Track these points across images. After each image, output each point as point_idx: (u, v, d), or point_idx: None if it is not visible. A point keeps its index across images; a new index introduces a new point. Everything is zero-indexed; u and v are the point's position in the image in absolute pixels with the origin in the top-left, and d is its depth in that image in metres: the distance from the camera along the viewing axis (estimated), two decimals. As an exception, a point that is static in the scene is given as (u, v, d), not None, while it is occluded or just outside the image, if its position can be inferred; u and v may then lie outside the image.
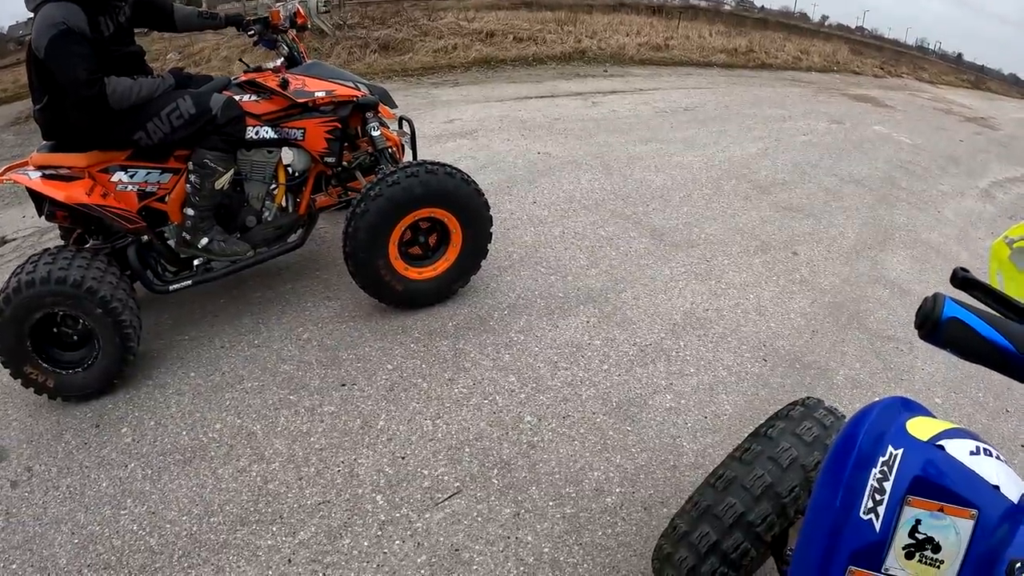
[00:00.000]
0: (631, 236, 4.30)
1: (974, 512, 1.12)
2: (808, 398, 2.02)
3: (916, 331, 1.09)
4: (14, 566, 2.46)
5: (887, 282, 4.17)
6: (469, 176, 3.36)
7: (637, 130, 6.45)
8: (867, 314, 3.81)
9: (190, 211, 3.20)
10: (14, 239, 5.14)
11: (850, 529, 1.18)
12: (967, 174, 6.62)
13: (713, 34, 13.98)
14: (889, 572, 1.15)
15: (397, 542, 2.43)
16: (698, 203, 4.77)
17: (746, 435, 2.02)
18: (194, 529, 2.54)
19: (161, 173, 3.21)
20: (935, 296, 1.07)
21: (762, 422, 2.01)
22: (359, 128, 3.69)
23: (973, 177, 6.53)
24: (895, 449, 1.21)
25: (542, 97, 7.66)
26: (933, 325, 1.06)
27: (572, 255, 4.10)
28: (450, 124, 6.54)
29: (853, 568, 1.17)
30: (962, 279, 1.13)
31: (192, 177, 3.14)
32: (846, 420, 1.41)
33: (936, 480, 1.16)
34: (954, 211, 5.68)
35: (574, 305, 3.63)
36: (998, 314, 1.07)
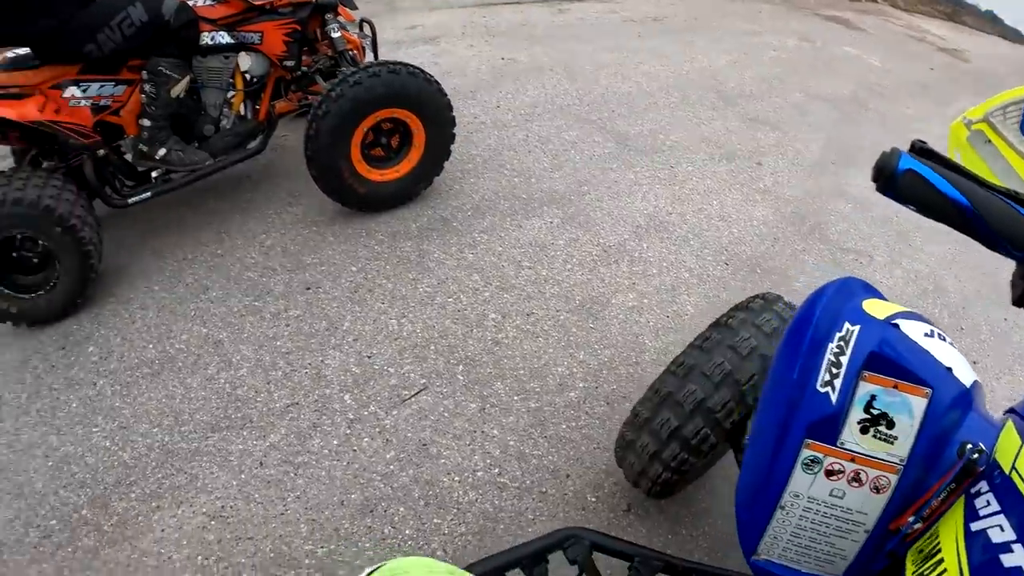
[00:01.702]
0: (595, 141, 4.28)
1: (927, 391, 1.15)
2: (768, 292, 2.06)
3: (873, 184, 1.09)
4: None
5: (849, 197, 4.19)
6: (432, 76, 3.31)
7: (604, 38, 6.33)
8: (828, 226, 3.85)
9: (146, 122, 3.12)
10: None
11: (807, 401, 1.20)
12: (935, 101, 6.60)
13: (685, -54, 13.67)
14: (844, 446, 1.18)
15: (366, 439, 2.48)
16: (663, 111, 4.74)
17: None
18: (166, 440, 2.56)
19: (115, 85, 3.11)
20: (892, 149, 1.07)
21: (723, 313, 2.04)
22: (318, 31, 3.60)
23: (940, 105, 6.51)
24: (852, 325, 1.23)
25: (507, 3, 7.44)
26: (889, 176, 1.05)
27: (536, 158, 4.08)
28: (412, 30, 6.36)
29: (810, 440, 1.20)
30: (920, 149, 1.12)
31: (147, 86, 3.05)
32: (805, 299, 1.43)
33: (891, 357, 1.18)
34: (919, 135, 5.64)
35: (537, 207, 3.63)
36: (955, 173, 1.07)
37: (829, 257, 3.60)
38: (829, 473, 1.20)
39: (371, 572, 0.96)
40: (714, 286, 3.19)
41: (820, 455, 1.20)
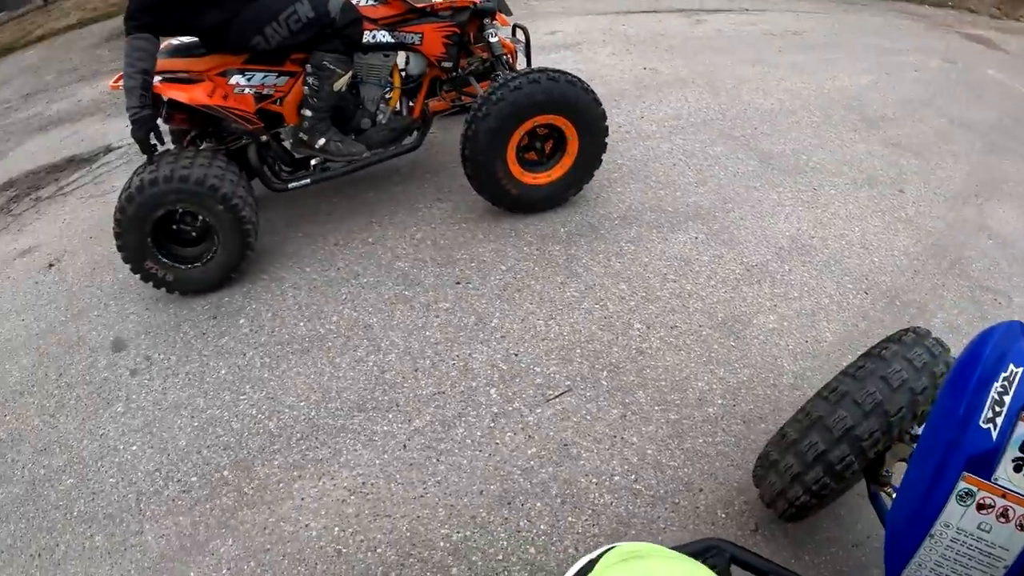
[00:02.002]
0: (739, 157, 4.27)
1: None
2: (919, 327, 2.07)
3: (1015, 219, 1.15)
4: (134, 447, 2.69)
5: (992, 232, 4.03)
6: (589, 86, 3.37)
7: (744, 51, 6.28)
8: (969, 262, 3.73)
9: (307, 112, 3.31)
10: (119, 147, 5.37)
11: (969, 435, 1.28)
12: (1085, 135, 6.29)
13: (825, -45, 13.31)
14: (998, 482, 1.25)
15: (509, 434, 2.57)
16: (806, 130, 4.68)
17: (845, 363, 2.07)
18: (312, 414, 2.72)
19: (277, 76, 3.31)
20: None
21: (874, 344, 2.06)
22: (472, 34, 3.72)
23: (1092, 139, 6.20)
24: (1016, 367, 1.31)
25: (645, 12, 7.45)
26: None
27: (680, 172, 4.10)
28: (552, 36, 6.45)
29: (967, 474, 1.27)
30: None
31: (310, 79, 3.23)
32: (974, 338, 1.50)
33: None
34: (1068, 172, 5.42)
35: (683, 221, 3.66)
36: None
37: (968, 295, 3.49)
38: (980, 507, 1.27)
39: (605, 551, 1.04)
40: (853, 314, 3.16)
41: (975, 488, 1.27)
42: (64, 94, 7.62)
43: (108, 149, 5.49)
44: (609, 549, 1.05)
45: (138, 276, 3.26)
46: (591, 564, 1.04)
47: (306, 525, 2.35)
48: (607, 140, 3.54)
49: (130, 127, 2.96)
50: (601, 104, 3.42)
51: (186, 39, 3.28)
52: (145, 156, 3.08)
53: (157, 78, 3.12)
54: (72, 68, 8.82)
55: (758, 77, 5.60)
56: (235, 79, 3.24)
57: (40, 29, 12.60)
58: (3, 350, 3.39)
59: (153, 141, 3.05)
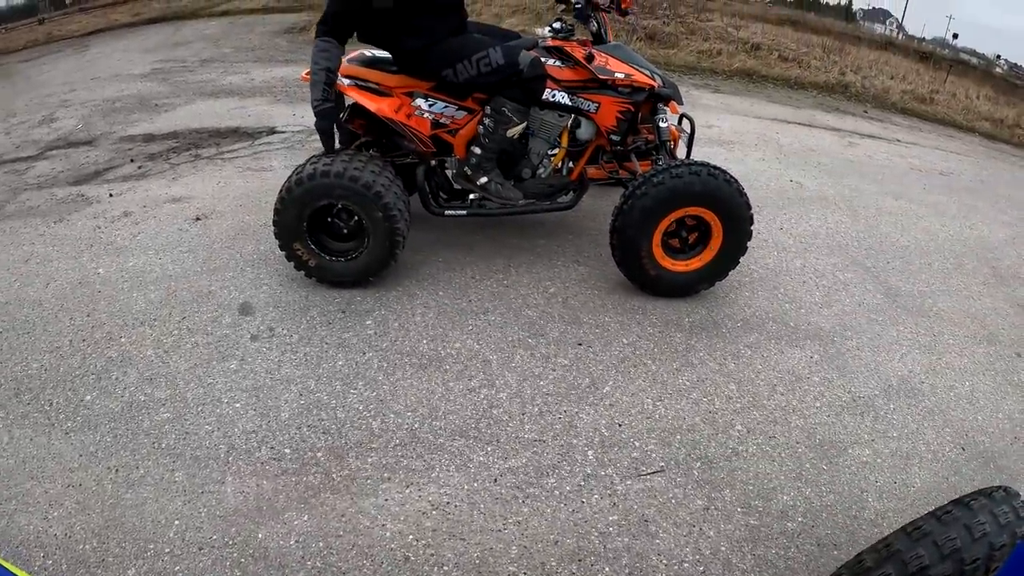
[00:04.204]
0: (866, 288, 4.32)
1: None
2: (1009, 488, 2.12)
3: None
4: (238, 404, 2.89)
5: (1103, 416, 3.98)
6: (743, 188, 3.51)
7: (889, 182, 6.30)
8: (1075, 442, 3.69)
9: (477, 149, 3.52)
10: (283, 132, 5.76)
11: None
12: None
13: (980, 97, 13.09)
14: None
15: (596, 496, 2.66)
16: (936, 274, 4.69)
17: (925, 513, 2.14)
18: (415, 426, 2.87)
19: (457, 109, 3.55)
20: None
21: (966, 493, 2.12)
22: (642, 115, 3.87)
23: None
24: None
25: (800, 124, 7.56)
26: None
27: (808, 290, 4.18)
28: (708, 129, 6.62)
29: None
30: None
31: (487, 120, 3.45)
32: None
33: None
34: None
35: (801, 338, 3.72)
36: None
37: (1067, 474, 3.47)
38: None
39: None
40: (945, 467, 3.16)
41: None
42: (238, 69, 8.16)
43: (272, 131, 5.91)
44: None
45: (283, 254, 3.51)
46: None
47: (383, 525, 2.47)
48: (748, 244, 3.66)
49: (315, 119, 3.26)
50: (751, 209, 3.55)
51: (381, 53, 3.56)
52: (324, 148, 3.37)
53: (347, 81, 3.44)
54: (250, 48, 9.44)
55: (899, 211, 5.63)
56: (418, 102, 3.51)
57: (225, 4, 13.57)
58: (135, 280, 3.68)
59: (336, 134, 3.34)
